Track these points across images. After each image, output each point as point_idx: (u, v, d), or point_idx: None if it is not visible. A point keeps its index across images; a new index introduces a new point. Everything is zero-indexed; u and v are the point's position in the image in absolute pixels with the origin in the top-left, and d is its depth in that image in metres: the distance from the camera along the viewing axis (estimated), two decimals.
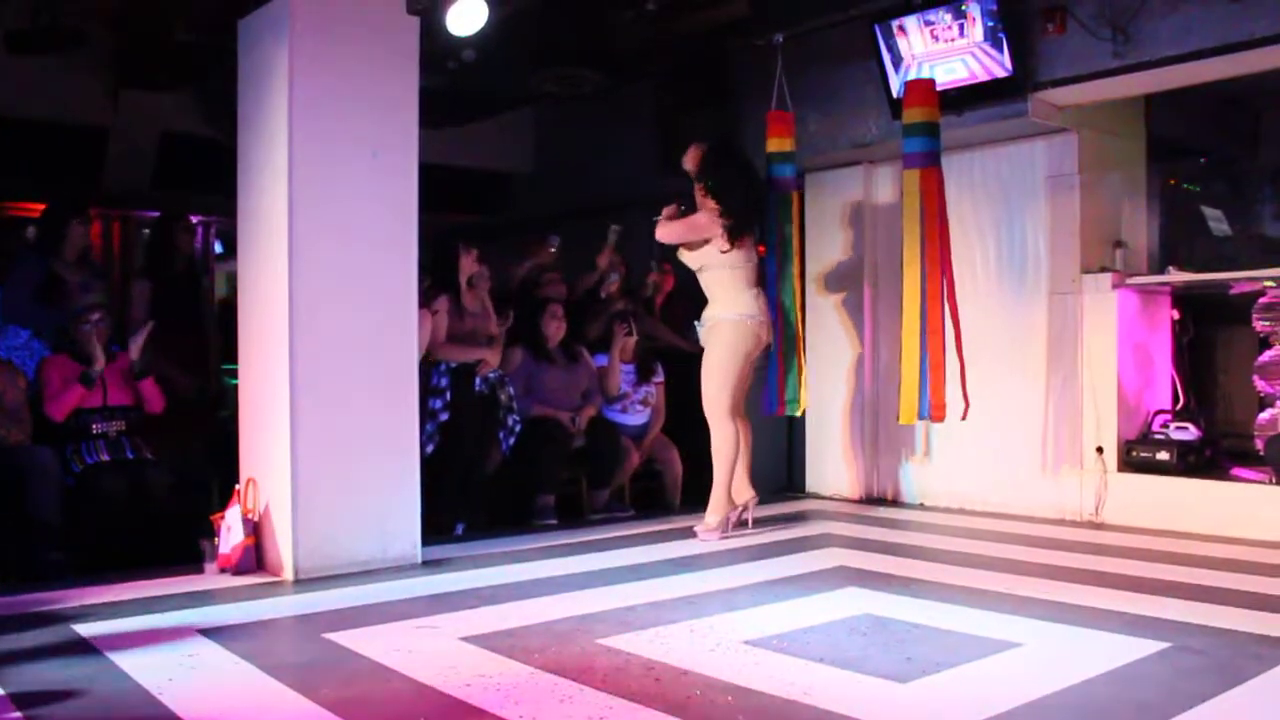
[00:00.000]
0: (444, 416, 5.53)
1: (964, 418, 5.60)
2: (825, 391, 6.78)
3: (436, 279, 5.69)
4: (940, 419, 5.60)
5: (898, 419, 5.76)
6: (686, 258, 5.53)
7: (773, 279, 6.02)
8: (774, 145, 6.09)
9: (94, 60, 6.58)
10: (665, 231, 5.48)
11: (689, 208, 5.50)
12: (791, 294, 6.01)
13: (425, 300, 5.39)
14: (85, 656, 3.32)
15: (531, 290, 6.44)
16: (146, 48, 6.36)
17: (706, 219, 5.37)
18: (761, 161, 6.11)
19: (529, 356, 6.15)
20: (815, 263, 6.89)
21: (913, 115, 5.61)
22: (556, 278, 6.50)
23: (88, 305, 5.13)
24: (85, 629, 3.61)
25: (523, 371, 6.11)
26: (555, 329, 6.20)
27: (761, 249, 5.98)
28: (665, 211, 5.54)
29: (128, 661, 3.24)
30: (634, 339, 6.43)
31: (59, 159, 6.96)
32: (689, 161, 5.48)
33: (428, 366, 5.48)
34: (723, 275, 5.40)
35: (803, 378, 6.06)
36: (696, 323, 5.56)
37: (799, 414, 6.21)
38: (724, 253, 5.35)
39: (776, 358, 5.97)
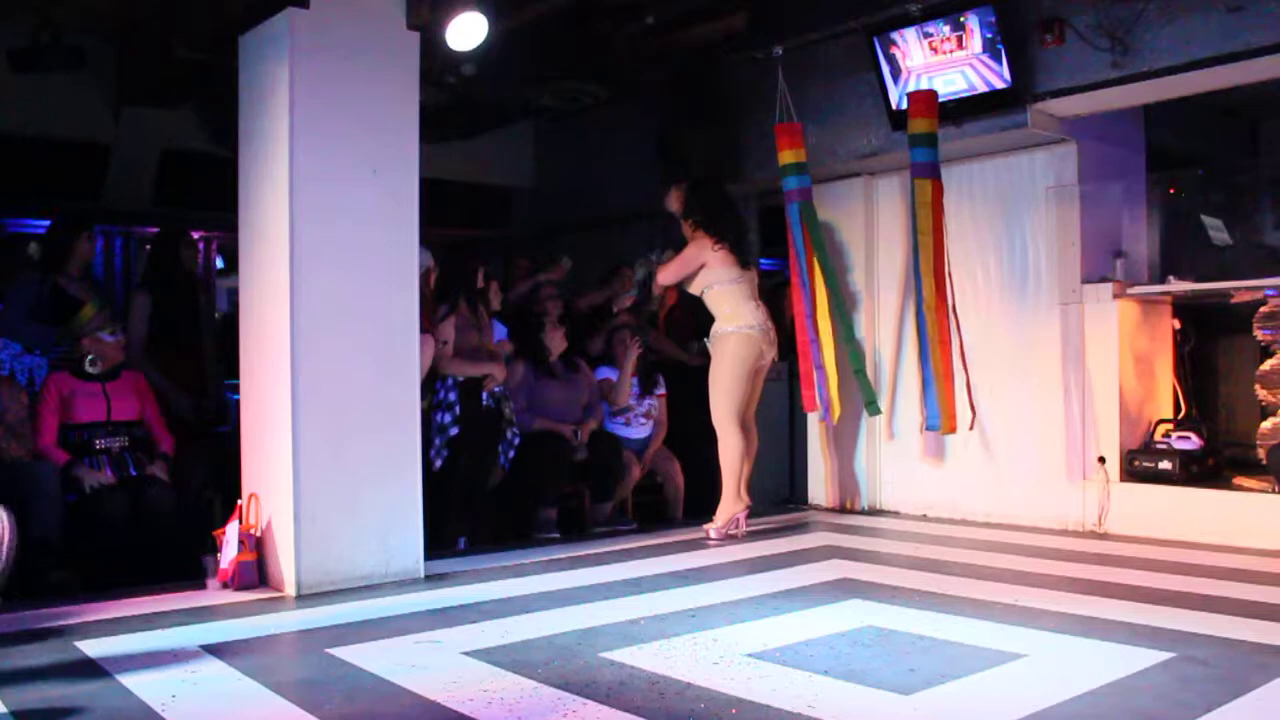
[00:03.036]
0: (454, 431, 5.53)
1: (970, 428, 5.69)
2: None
3: (442, 294, 5.69)
4: (954, 430, 5.71)
5: (937, 430, 5.83)
6: (691, 287, 5.92)
7: (806, 287, 6.08)
8: (786, 157, 6.12)
9: (95, 77, 6.60)
10: (665, 275, 5.97)
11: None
12: (828, 299, 6.10)
13: (432, 319, 5.40)
14: (88, 673, 3.32)
15: (532, 305, 6.45)
16: (147, 64, 6.38)
17: (695, 250, 5.80)
18: (765, 173, 6.15)
19: (530, 370, 6.15)
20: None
21: (918, 125, 5.65)
22: (553, 292, 6.52)
23: (102, 322, 5.14)
24: (88, 646, 3.60)
25: (525, 385, 6.11)
26: (558, 342, 6.21)
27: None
28: (667, 258, 6.00)
29: (130, 678, 3.24)
30: (640, 349, 6.46)
31: (61, 176, 6.97)
32: (672, 203, 5.95)
33: (433, 381, 5.49)
34: (724, 292, 5.77)
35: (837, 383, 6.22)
36: (705, 340, 5.91)
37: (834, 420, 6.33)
38: (744, 269, 5.79)
39: (820, 364, 6.13)
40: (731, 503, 5.77)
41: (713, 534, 5.73)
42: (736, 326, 5.71)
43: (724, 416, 5.72)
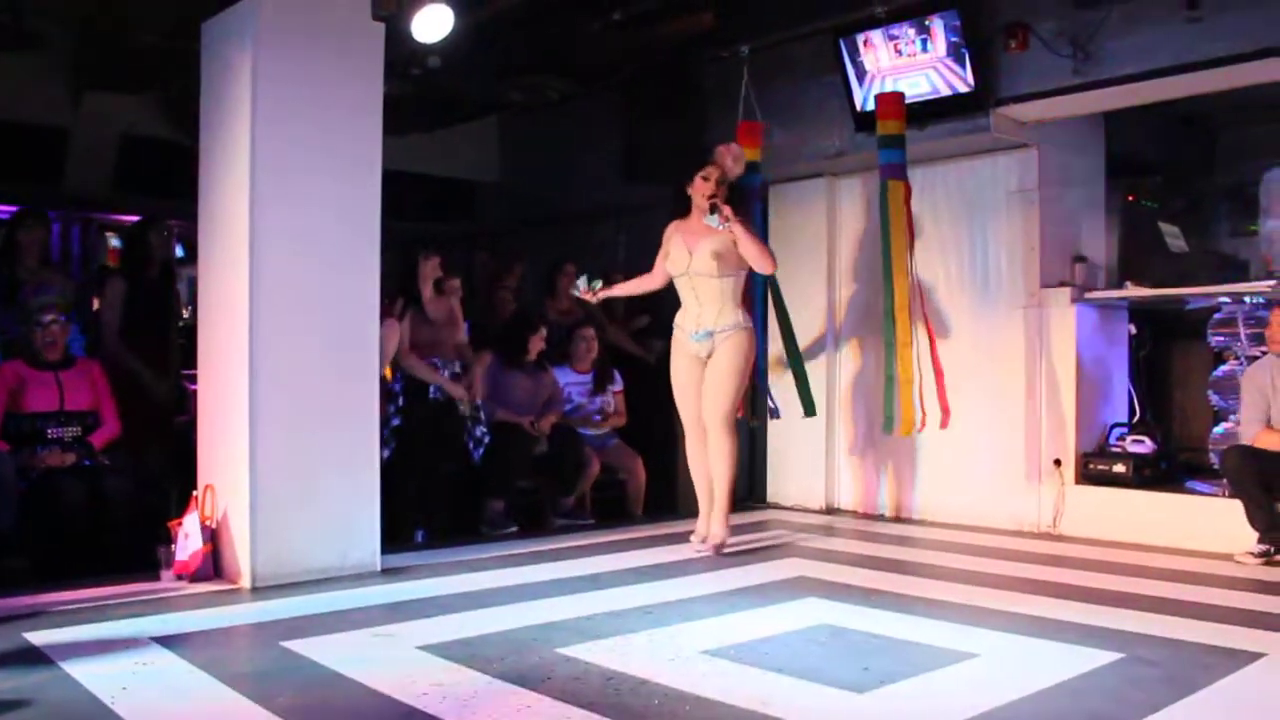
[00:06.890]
0: (395, 422, 5.50)
1: (944, 426, 5.78)
2: (787, 402, 6.77)
3: (400, 287, 5.66)
4: (923, 429, 5.77)
5: (899, 431, 5.80)
6: (726, 264, 5.12)
7: (759, 287, 6.08)
8: (747, 155, 6.13)
9: (55, 61, 6.50)
10: (768, 265, 5.16)
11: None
12: (782, 301, 6.12)
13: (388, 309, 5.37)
14: (36, 664, 3.28)
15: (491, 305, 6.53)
16: (108, 49, 6.30)
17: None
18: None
19: (497, 361, 6.13)
20: (778, 274, 6.90)
21: (888, 127, 5.67)
22: (510, 298, 6.63)
23: (42, 305, 5.06)
24: (36, 636, 3.56)
25: (489, 376, 6.08)
26: (538, 345, 6.20)
27: None
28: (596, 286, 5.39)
29: (80, 669, 3.20)
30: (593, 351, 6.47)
31: (17, 160, 6.87)
32: (737, 168, 5.30)
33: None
34: (739, 283, 5.23)
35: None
36: (695, 334, 5.15)
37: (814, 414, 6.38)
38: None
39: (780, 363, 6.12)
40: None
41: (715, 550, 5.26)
42: (749, 324, 5.23)
43: (730, 420, 5.17)
